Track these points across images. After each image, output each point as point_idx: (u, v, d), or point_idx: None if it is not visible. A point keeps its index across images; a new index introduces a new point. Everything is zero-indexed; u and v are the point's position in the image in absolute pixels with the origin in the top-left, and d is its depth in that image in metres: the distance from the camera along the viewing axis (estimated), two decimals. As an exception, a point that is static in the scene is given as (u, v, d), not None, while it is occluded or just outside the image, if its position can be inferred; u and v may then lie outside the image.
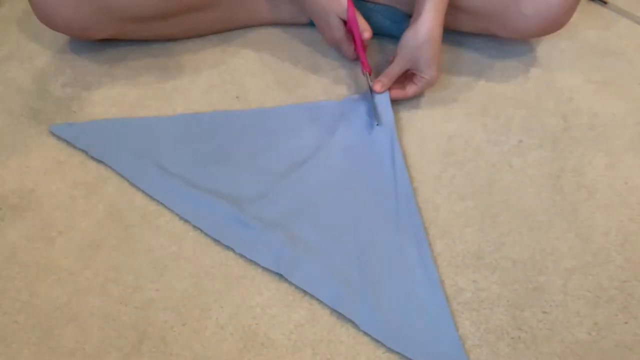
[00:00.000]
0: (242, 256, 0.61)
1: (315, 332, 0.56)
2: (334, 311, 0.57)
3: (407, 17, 0.82)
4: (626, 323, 0.56)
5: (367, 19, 0.75)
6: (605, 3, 0.92)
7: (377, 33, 0.79)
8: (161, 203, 0.65)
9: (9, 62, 0.84)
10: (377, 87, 0.73)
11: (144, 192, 0.67)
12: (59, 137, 0.73)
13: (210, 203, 0.64)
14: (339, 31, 0.75)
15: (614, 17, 0.91)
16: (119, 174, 0.69)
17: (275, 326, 0.56)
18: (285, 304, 0.58)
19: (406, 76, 0.74)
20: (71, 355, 0.54)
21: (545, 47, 0.86)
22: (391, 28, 0.83)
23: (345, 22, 0.74)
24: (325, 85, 0.80)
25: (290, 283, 0.59)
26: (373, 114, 0.72)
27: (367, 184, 0.67)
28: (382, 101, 0.74)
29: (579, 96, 0.79)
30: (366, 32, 0.73)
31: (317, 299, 0.58)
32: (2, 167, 0.70)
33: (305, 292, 0.58)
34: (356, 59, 0.80)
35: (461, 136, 0.73)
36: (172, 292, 0.59)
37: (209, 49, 0.86)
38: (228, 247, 0.62)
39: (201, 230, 0.63)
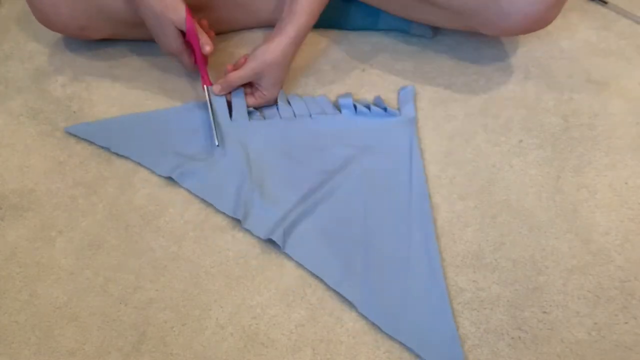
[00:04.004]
0: (242, 256, 0.61)
1: (315, 332, 0.56)
2: (334, 311, 0.57)
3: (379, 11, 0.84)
4: (626, 323, 0.56)
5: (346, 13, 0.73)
6: (605, 3, 0.92)
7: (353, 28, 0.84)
8: (186, 190, 0.66)
9: (9, 62, 0.84)
10: (216, 89, 0.72)
11: (174, 180, 0.67)
12: (59, 137, 0.73)
13: (227, 181, 0.66)
14: (175, 42, 0.71)
15: (614, 17, 0.91)
16: (144, 166, 0.69)
17: (275, 326, 0.56)
18: (285, 304, 0.58)
19: (250, 85, 0.74)
20: (71, 355, 0.54)
21: (545, 47, 0.85)
22: (364, 22, 0.85)
23: (184, 33, 0.70)
24: (324, 85, 0.80)
25: (290, 283, 0.59)
26: (214, 131, 0.69)
27: (383, 175, 0.67)
28: (406, 95, 0.76)
29: (579, 96, 0.78)
30: (207, 46, 0.70)
31: (318, 299, 0.58)
32: (2, 167, 0.70)
33: (305, 292, 0.58)
34: (196, 70, 0.76)
35: (461, 136, 0.73)
36: (172, 292, 0.59)
37: (209, 49, 0.86)
38: (228, 247, 0.62)
39: (201, 230, 0.63)
